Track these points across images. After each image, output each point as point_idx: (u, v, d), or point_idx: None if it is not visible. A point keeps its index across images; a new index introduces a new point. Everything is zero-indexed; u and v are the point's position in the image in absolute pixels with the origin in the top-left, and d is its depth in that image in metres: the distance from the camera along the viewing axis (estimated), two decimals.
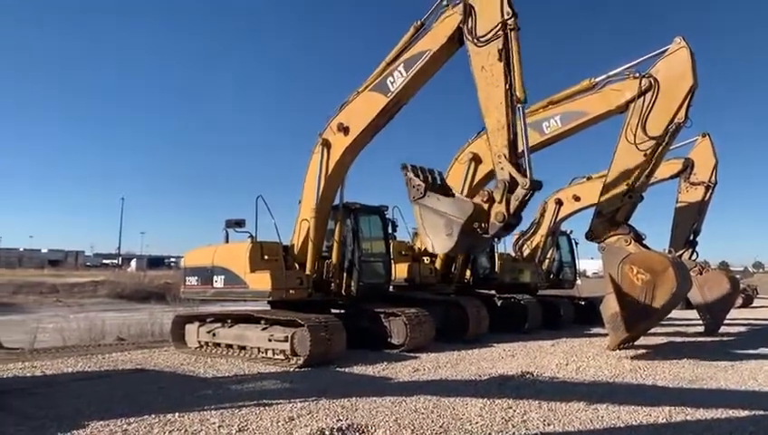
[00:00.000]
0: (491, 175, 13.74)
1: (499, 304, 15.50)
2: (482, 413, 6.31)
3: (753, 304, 33.16)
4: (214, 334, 10.98)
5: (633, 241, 11.46)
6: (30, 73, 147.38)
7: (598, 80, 12.08)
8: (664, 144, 11.32)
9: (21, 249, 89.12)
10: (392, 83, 10.29)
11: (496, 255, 17.28)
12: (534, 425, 5.90)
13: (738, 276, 24.27)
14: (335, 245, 11.83)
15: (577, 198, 17.67)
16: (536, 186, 8.14)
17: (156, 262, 79.21)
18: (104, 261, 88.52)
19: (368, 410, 6.40)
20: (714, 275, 15.63)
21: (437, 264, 15.10)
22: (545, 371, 9.26)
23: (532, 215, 18.37)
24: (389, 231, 13.18)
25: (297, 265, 11.49)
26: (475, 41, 8.79)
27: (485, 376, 8.73)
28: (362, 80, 10.93)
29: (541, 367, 9.59)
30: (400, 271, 14.09)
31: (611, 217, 11.73)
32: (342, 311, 12.22)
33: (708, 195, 15.38)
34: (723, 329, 15.62)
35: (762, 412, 6.64)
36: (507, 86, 8.35)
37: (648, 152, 11.23)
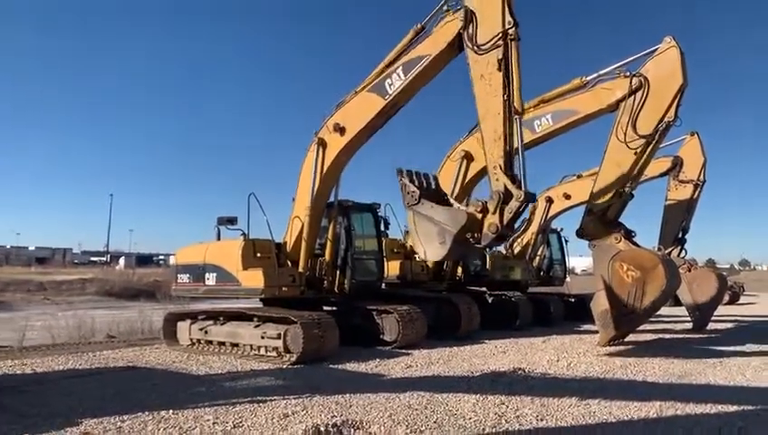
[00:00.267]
0: (482, 173, 13.81)
1: (490, 301, 15.58)
2: (475, 409, 6.36)
3: (740, 301, 33.57)
4: (206, 332, 10.95)
5: (623, 239, 11.57)
6: (23, 72, 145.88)
7: (589, 78, 12.16)
8: (654, 142, 11.43)
9: (8, 247, 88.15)
10: (390, 86, 10.22)
11: (487, 252, 17.35)
12: (528, 420, 5.95)
13: (725, 274, 24.52)
14: (329, 242, 11.84)
15: (567, 196, 17.79)
16: (530, 199, 8.19)
17: (144, 260, 78.84)
18: (92, 259, 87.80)
19: (362, 407, 6.43)
20: (702, 272, 15.80)
21: (429, 262, 15.15)
22: (537, 367, 9.33)
23: (523, 213, 18.44)
24: (382, 229, 13.22)
25: (290, 263, 11.48)
26: (476, 48, 8.71)
27: (478, 372, 8.79)
28: (359, 79, 10.89)
29: (532, 363, 9.66)
30: (392, 268, 14.14)
31: (602, 215, 11.83)
32: (335, 308, 12.25)
33: (697, 193, 15.52)
34: (711, 325, 15.80)
35: (750, 407, 6.75)
36: (505, 96, 8.29)
37: (638, 150, 11.33)
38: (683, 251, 15.40)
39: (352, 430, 5.48)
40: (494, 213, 8.14)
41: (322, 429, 5.38)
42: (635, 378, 8.63)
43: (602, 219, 11.81)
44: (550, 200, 18.04)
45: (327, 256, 11.77)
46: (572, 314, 17.45)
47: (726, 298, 30.02)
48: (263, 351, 10.06)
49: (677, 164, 15.73)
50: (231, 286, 11.10)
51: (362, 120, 10.71)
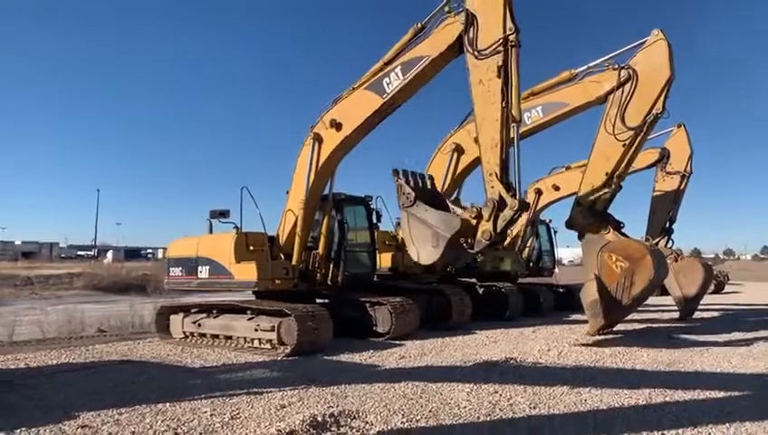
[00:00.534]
0: (473, 165, 13.94)
1: (481, 292, 15.72)
2: (469, 398, 6.46)
3: (725, 290, 34.07)
4: (199, 325, 10.98)
5: (612, 230, 11.71)
6: (7, 68, 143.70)
7: (578, 71, 12.27)
8: (642, 134, 11.54)
9: None
10: (388, 85, 10.18)
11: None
12: (521, 408, 6.06)
13: (710, 263, 24.83)
14: (322, 236, 11.88)
15: (556, 188, 17.94)
16: (524, 208, 8.28)
17: (133, 253, 78.24)
18: (79, 253, 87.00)
19: (358, 397, 6.51)
20: (688, 262, 16.02)
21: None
22: (528, 356, 9.47)
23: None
24: (374, 221, 13.28)
25: (282, 256, 11.51)
26: (476, 53, 8.67)
27: (470, 362, 8.90)
28: (352, 73, 10.92)
29: (523, 353, 9.79)
30: (384, 260, 14.25)
31: (591, 207, 11.95)
32: (327, 301, 12.31)
33: (684, 184, 15.72)
34: (697, 314, 16.07)
35: (737, 393, 6.92)
36: (503, 104, 8.27)
37: (626, 142, 11.44)
38: (670, 241, 15.61)
39: (349, 419, 5.55)
40: (488, 220, 8.17)
41: (320, 419, 5.43)
42: (624, 366, 8.79)
43: (591, 211, 11.93)
44: (539, 192, 18.19)
45: (321, 250, 11.81)
46: (561, 304, 17.67)
47: (712, 287, 30.48)
48: (257, 343, 10.11)
49: (665, 156, 15.92)
50: (224, 279, 11.13)
51: (359, 118, 10.68)
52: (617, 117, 11.41)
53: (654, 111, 11.29)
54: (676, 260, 15.36)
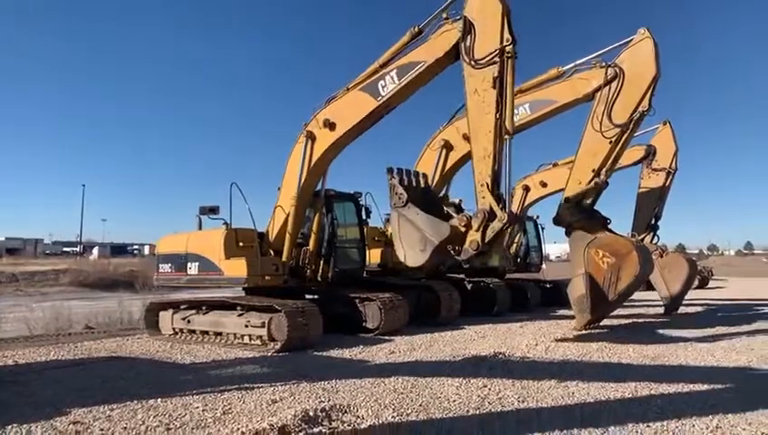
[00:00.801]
0: (462, 161, 14.03)
1: (469, 287, 15.83)
2: (459, 392, 6.54)
3: (709, 285, 34.56)
4: (189, 321, 10.98)
5: (599, 226, 11.84)
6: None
7: (565, 68, 12.37)
8: (628, 132, 11.65)
9: None
10: (383, 88, 10.16)
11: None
12: (509, 402, 6.15)
13: (695, 259, 25.14)
14: (313, 232, 11.90)
15: (544, 184, 18.08)
16: (513, 221, 8.34)
17: (119, 250, 77.74)
18: (64, 249, 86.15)
19: (349, 392, 6.57)
20: (673, 258, 16.23)
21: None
22: (516, 351, 9.57)
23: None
24: (363, 217, 13.33)
25: (272, 252, 11.53)
26: (472, 62, 8.68)
27: (459, 357, 8.98)
28: (350, 75, 10.82)
29: (512, 348, 9.90)
30: (374, 256, 14.31)
31: (578, 203, 12.07)
32: (317, 296, 12.35)
33: (669, 180, 15.89)
34: (682, 309, 16.30)
35: (720, 386, 7.06)
36: (497, 115, 8.29)
37: (613, 139, 11.55)
38: (655, 237, 15.80)
39: (341, 414, 5.59)
40: (477, 230, 8.25)
41: (311, 413, 5.48)
42: (611, 360, 8.91)
43: (578, 207, 12.05)
44: (527, 188, 18.32)
45: (311, 246, 11.83)
46: (549, 299, 17.85)
47: (696, 282, 30.90)
48: (247, 339, 10.13)
49: (651, 153, 16.09)
50: (213, 276, 11.14)
51: (353, 119, 10.68)
52: (604, 114, 11.52)
53: (640, 109, 11.40)
54: (662, 256, 15.55)
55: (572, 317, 12.17)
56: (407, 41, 10.07)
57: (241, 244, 11.21)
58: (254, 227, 11.59)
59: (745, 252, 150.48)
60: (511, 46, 8.38)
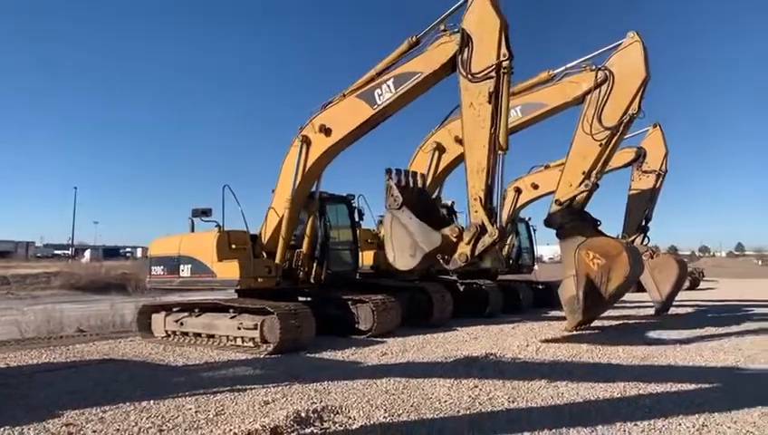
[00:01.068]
0: (454, 164, 14.10)
1: (461, 289, 15.89)
2: (450, 392, 6.60)
3: (700, 287, 34.83)
4: (181, 323, 10.98)
5: (589, 227, 11.95)
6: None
7: (556, 72, 12.47)
8: (618, 134, 11.77)
9: None
10: (380, 96, 10.17)
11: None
12: (500, 402, 6.22)
13: (686, 260, 25.33)
14: (307, 234, 11.94)
15: (535, 186, 18.19)
16: (504, 236, 8.43)
17: (111, 252, 77.34)
18: (56, 252, 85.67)
19: (341, 393, 6.62)
20: (664, 259, 16.38)
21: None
22: (507, 352, 9.64)
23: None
24: (356, 220, 13.39)
25: (265, 254, 11.56)
26: (469, 76, 8.71)
27: (451, 358, 9.04)
28: (345, 80, 10.84)
29: (503, 348, 9.98)
30: (366, 258, 14.35)
31: (568, 205, 12.18)
32: (310, 299, 12.38)
33: (659, 182, 16.04)
34: (672, 310, 16.44)
35: (707, 385, 7.16)
36: (492, 130, 8.35)
37: (603, 142, 11.66)
38: (646, 239, 15.94)
39: (332, 415, 5.64)
40: (467, 244, 8.30)
41: (303, 414, 5.53)
42: (600, 361, 9.00)
43: (569, 209, 12.15)
44: (518, 190, 18.43)
45: (305, 248, 11.87)
46: (541, 300, 17.95)
47: (687, 284, 31.10)
48: (239, 341, 10.15)
49: (641, 155, 16.23)
50: (206, 278, 11.15)
51: (349, 126, 10.70)
52: (594, 117, 11.63)
53: (630, 112, 11.52)
54: (652, 257, 15.71)
55: (564, 318, 12.27)
56: (404, 50, 10.08)
57: (233, 246, 11.23)
58: (247, 230, 11.63)
59: (737, 253, 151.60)
60: (508, 62, 8.43)
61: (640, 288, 17.09)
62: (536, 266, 21.94)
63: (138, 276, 25.84)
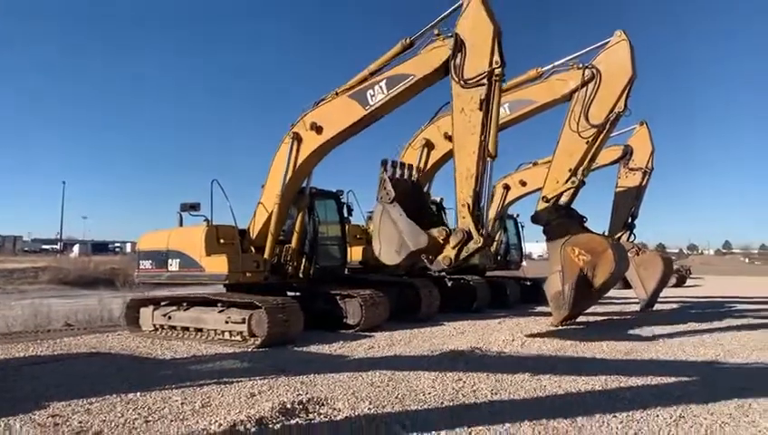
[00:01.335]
0: (443, 160, 14.16)
1: (449, 284, 16.00)
2: (434, 385, 6.71)
3: (686, 284, 35.20)
4: (169, 317, 10.99)
5: (576, 224, 12.07)
6: None
7: (544, 69, 12.55)
8: (605, 132, 11.85)
9: None
10: (372, 97, 10.17)
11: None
12: (483, 394, 6.32)
13: (674, 258, 25.65)
14: (296, 229, 11.98)
15: (523, 183, 18.28)
16: (488, 243, 8.51)
17: (100, 247, 76.93)
18: (44, 247, 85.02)
19: (327, 385, 6.70)
20: (649, 256, 16.54)
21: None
22: (493, 346, 9.77)
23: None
24: (345, 215, 13.45)
25: (253, 249, 11.59)
26: (461, 82, 8.74)
27: (437, 352, 9.15)
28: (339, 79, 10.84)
29: (489, 343, 10.10)
30: (355, 254, 14.41)
31: (555, 202, 12.29)
32: (298, 293, 12.44)
33: (645, 180, 16.17)
34: (657, 306, 16.64)
35: (686, 379, 7.31)
36: (482, 137, 8.40)
37: (589, 140, 11.75)
38: (632, 236, 16.09)
39: (318, 406, 5.72)
40: (453, 247, 8.36)
41: (289, 406, 5.60)
42: (584, 355, 9.14)
43: (555, 206, 12.26)
44: (507, 187, 18.52)
45: (294, 243, 11.92)
46: (528, 296, 18.11)
47: (673, 281, 31.46)
48: (227, 335, 10.20)
49: (628, 152, 16.36)
50: (194, 272, 11.17)
51: (340, 125, 10.72)
52: (581, 115, 11.72)
53: (616, 110, 11.60)
54: (638, 254, 15.86)
55: (550, 314, 12.40)
56: (397, 51, 10.08)
57: (222, 241, 11.25)
58: (235, 224, 11.66)
59: (724, 251, 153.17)
60: (500, 69, 8.47)
61: (627, 285, 17.27)
62: (524, 263, 22.10)
63: (126, 271, 25.74)
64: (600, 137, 11.85)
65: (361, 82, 10.48)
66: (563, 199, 12.28)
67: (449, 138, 13.09)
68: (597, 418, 5.41)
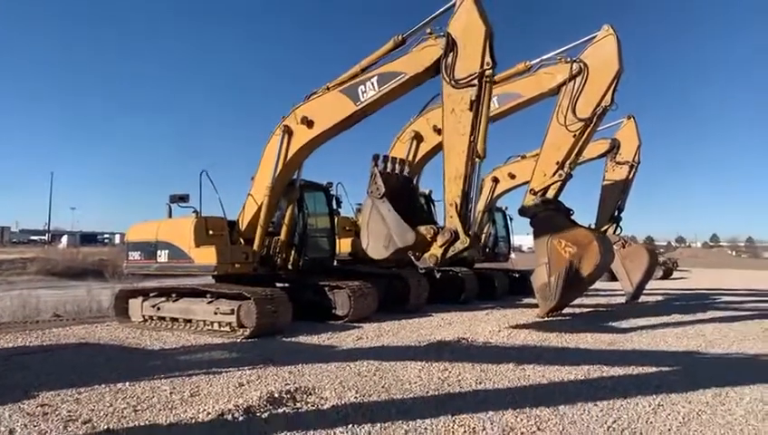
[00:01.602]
0: (432, 153, 14.24)
1: (438, 276, 16.05)
2: (420, 375, 6.82)
3: (673, 276, 35.60)
4: (158, 308, 11.03)
5: (562, 217, 12.20)
6: None
7: (532, 63, 12.64)
8: (592, 125, 11.97)
9: None
10: (363, 93, 10.18)
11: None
12: (468, 384, 6.45)
13: (661, 250, 25.91)
14: (286, 221, 12.03)
15: (512, 176, 18.41)
16: (475, 244, 8.54)
17: (89, 238, 76.48)
18: (32, 237, 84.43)
19: (314, 375, 6.79)
20: (635, 248, 16.72)
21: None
22: (479, 337, 9.89)
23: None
24: (334, 207, 13.51)
25: (242, 241, 11.63)
26: (452, 82, 8.75)
27: (424, 342, 9.27)
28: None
29: (475, 334, 10.22)
30: (344, 245, 14.50)
31: (542, 194, 12.42)
32: (287, 285, 12.50)
33: (632, 173, 16.28)
34: (642, 298, 16.83)
35: (667, 368, 7.47)
36: (472, 137, 8.42)
37: (577, 133, 11.87)
38: (618, 228, 16.24)
39: (305, 395, 5.81)
40: (440, 246, 8.42)
41: (276, 395, 5.69)
42: (568, 346, 9.29)
43: (543, 198, 12.38)
44: (496, 180, 18.64)
45: (283, 235, 11.97)
46: (516, 288, 18.28)
47: (660, 273, 31.86)
48: (216, 326, 10.25)
49: (615, 146, 16.47)
50: (183, 263, 11.20)
51: (331, 120, 10.73)
52: (568, 108, 11.82)
53: (603, 104, 11.72)
54: (624, 247, 16.04)
55: (537, 305, 12.55)
56: (389, 48, 10.06)
57: (211, 232, 11.28)
58: (224, 216, 11.69)
59: (711, 244, 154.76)
60: (491, 70, 8.48)
61: (613, 277, 17.45)
62: (513, 255, 22.27)
63: (115, 262, 25.64)
64: (588, 130, 11.98)
65: (353, 77, 10.49)
66: (551, 192, 12.40)
67: (438, 130, 13.18)
68: (578, 406, 5.54)
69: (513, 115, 13.63)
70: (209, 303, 10.40)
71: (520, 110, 13.34)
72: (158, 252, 11.54)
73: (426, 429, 4.82)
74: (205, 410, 5.27)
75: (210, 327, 10.32)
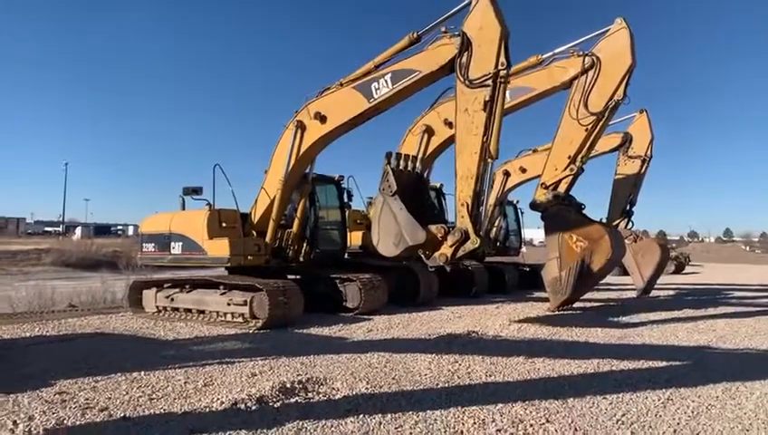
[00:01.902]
0: (443, 146, 14.25)
1: (448, 270, 16.05)
2: (431, 367, 6.88)
3: (685, 271, 35.36)
4: (172, 299, 11.18)
5: (573, 211, 12.19)
6: None
7: (544, 57, 12.57)
8: (604, 119, 11.92)
9: None
10: (376, 90, 10.14)
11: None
12: (478, 376, 6.50)
13: (674, 245, 25.73)
14: (297, 214, 12.11)
15: (523, 170, 18.35)
16: (485, 245, 8.57)
17: (102, 230, 77.25)
18: (47, 229, 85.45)
19: (325, 366, 6.87)
20: (647, 243, 16.67)
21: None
22: (489, 330, 9.94)
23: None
24: (345, 200, 13.58)
25: (255, 233, 11.74)
26: (466, 81, 8.69)
27: (434, 335, 9.33)
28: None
29: (485, 327, 10.27)
30: (355, 238, 14.57)
31: (554, 188, 12.40)
32: (299, 277, 12.61)
33: (644, 168, 16.21)
34: (654, 293, 16.79)
35: (677, 363, 7.49)
36: (485, 138, 8.39)
37: (589, 127, 11.83)
38: (629, 223, 16.18)
39: (317, 386, 5.89)
40: (450, 246, 8.44)
41: (289, 385, 5.78)
42: (578, 340, 9.30)
43: (554, 193, 12.36)
44: (507, 174, 18.58)
45: (295, 228, 12.07)
46: (526, 282, 18.26)
47: (672, 268, 31.67)
48: (229, 317, 10.38)
49: (627, 140, 16.38)
50: (197, 255, 11.34)
51: (344, 116, 10.73)
52: (580, 102, 11.77)
53: (615, 98, 11.65)
54: (635, 241, 15.99)
55: (547, 299, 12.56)
56: (404, 45, 10.01)
57: (224, 224, 11.42)
58: (237, 209, 11.80)
59: (725, 239, 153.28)
60: (505, 71, 8.45)
61: (624, 271, 17.40)
62: (524, 249, 22.24)
63: (129, 254, 25.95)
64: (600, 124, 11.93)
65: (366, 74, 10.45)
66: (562, 187, 12.38)
67: (449, 124, 13.20)
68: (588, 399, 5.58)
69: (525, 109, 13.59)
70: (222, 294, 10.53)
71: (532, 103, 13.27)
72: (172, 244, 11.69)
73: (435, 420, 4.88)
74: (218, 399, 5.37)
75: (223, 318, 10.45)
